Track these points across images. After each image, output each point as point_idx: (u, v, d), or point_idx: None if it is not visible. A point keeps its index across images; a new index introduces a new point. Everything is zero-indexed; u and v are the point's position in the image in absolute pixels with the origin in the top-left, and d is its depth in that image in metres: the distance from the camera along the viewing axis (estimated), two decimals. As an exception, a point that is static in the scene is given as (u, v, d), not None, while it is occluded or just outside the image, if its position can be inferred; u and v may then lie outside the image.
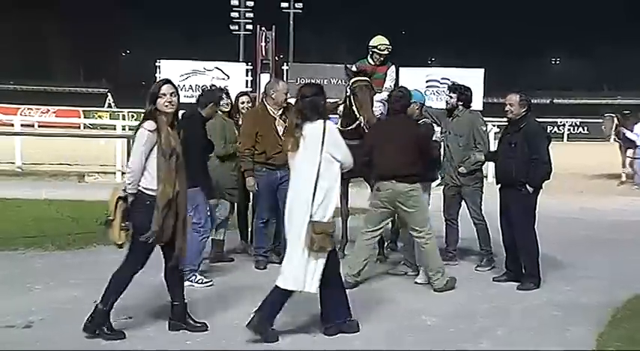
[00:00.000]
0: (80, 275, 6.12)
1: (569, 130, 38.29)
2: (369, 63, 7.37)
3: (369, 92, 6.59)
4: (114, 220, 4.43)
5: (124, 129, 17.51)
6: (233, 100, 6.94)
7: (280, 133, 6.48)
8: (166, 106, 4.44)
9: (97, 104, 43.58)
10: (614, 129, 15.30)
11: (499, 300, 5.60)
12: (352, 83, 6.70)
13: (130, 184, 4.43)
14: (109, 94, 45.72)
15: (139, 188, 4.44)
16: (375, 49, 7.32)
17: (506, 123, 6.27)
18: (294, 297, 4.64)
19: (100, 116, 39.21)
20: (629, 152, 13.95)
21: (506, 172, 6.03)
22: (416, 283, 6.14)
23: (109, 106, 44.13)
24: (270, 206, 6.55)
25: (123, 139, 13.94)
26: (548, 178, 6.02)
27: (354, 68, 7.05)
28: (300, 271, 4.49)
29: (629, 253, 7.29)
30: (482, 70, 35.05)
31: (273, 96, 6.48)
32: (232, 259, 6.92)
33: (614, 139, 16.48)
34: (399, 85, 6.69)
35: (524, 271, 6.01)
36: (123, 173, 13.59)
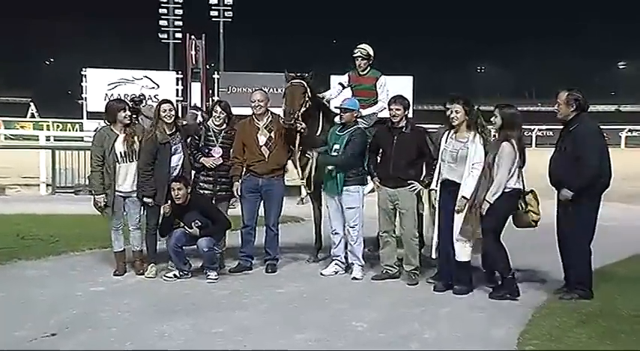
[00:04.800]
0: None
1: (494, 136, 39.38)
2: (358, 73, 7.42)
3: (297, 90, 6.78)
4: None
5: (48, 140, 16.85)
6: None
7: (261, 144, 6.67)
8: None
9: (19, 114, 41.92)
10: None
11: (428, 305, 5.71)
12: (288, 85, 6.89)
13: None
14: (31, 103, 44.06)
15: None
16: (353, 56, 7.39)
17: (561, 126, 5.88)
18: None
19: (22, 126, 37.69)
20: None
21: (555, 178, 5.77)
22: (354, 278, 6.51)
23: (32, 116, 42.53)
24: (252, 212, 6.84)
25: (47, 151, 13.49)
26: (593, 183, 5.64)
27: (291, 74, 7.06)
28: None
29: (549, 256, 7.54)
30: (411, 77, 35.73)
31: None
32: None
33: None
34: (398, 94, 6.61)
35: (569, 281, 5.89)
36: (48, 185, 13.15)
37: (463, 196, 5.88)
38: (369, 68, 7.37)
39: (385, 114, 7.19)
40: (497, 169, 5.78)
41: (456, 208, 5.91)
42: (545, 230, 6.12)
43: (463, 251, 5.94)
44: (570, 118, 5.74)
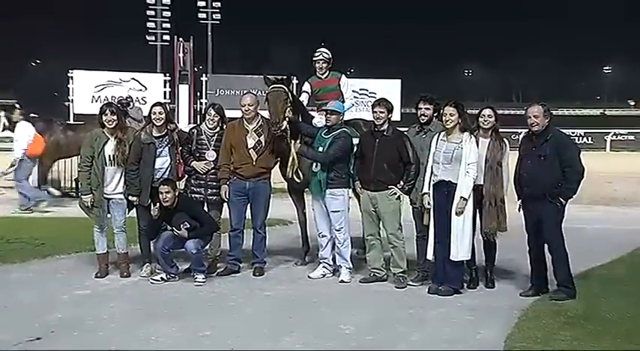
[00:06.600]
0: (-16, 296, 5.82)
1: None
2: (318, 78, 7.56)
3: (280, 97, 6.71)
4: None
5: (33, 142, 16.68)
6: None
7: (250, 146, 6.65)
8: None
9: (5, 116, 41.56)
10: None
11: (416, 307, 5.72)
12: (268, 90, 6.82)
13: None
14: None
15: None
16: (315, 59, 7.53)
17: (528, 135, 6.09)
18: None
19: (7, 128, 37.31)
20: None
21: (539, 185, 5.88)
22: (342, 281, 6.51)
23: (18, 117, 42.13)
24: (239, 214, 6.79)
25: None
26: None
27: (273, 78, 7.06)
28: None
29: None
30: (399, 80, 35.80)
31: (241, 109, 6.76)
32: None
33: None
34: (382, 97, 6.71)
35: (556, 282, 6.01)
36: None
37: (462, 197, 5.95)
38: (328, 71, 7.58)
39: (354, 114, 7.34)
40: (504, 167, 6.20)
41: (457, 209, 5.96)
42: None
43: (460, 251, 6.00)
44: (543, 129, 5.96)
